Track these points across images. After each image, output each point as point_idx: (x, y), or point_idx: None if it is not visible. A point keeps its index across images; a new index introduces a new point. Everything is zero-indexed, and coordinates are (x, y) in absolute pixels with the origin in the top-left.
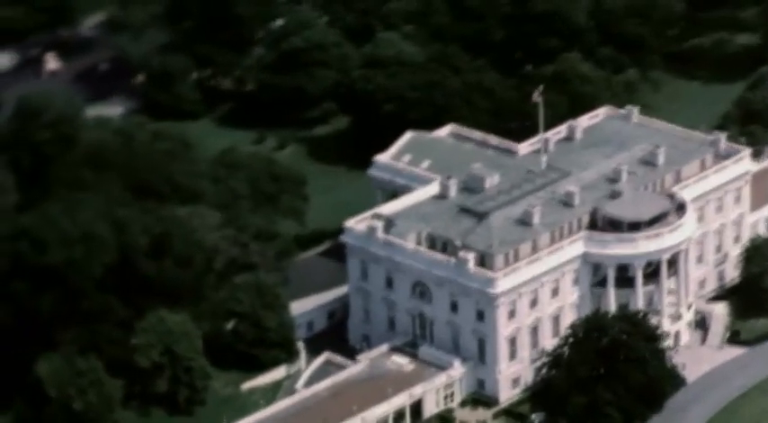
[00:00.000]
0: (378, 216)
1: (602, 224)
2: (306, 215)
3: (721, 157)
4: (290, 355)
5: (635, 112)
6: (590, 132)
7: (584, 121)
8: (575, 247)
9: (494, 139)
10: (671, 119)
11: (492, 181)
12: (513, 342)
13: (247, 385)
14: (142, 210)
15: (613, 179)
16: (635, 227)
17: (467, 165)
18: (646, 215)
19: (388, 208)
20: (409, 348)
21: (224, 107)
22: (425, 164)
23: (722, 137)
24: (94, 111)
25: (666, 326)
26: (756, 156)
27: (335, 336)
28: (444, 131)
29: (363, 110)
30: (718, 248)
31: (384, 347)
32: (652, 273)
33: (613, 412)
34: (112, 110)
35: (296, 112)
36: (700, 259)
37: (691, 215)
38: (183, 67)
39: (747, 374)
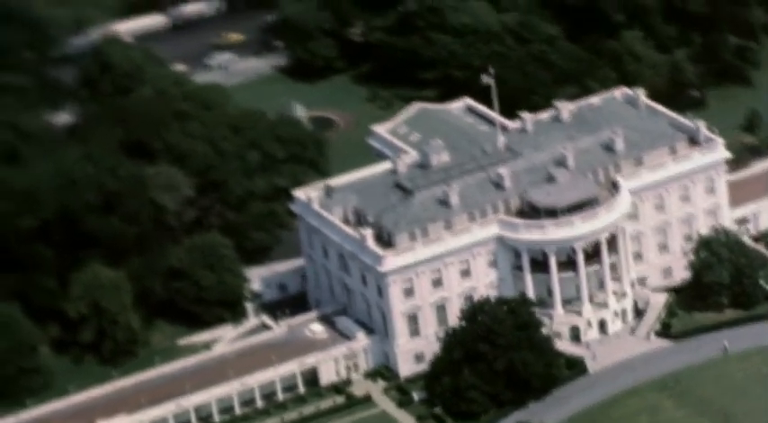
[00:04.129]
0: (327, 187)
1: (525, 209)
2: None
3: (697, 146)
4: (236, 315)
5: (641, 94)
6: (581, 113)
7: (595, 100)
8: (487, 231)
9: (498, 116)
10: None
11: (439, 158)
12: (413, 319)
13: (184, 341)
14: (107, 166)
15: (560, 163)
16: (551, 213)
17: (453, 139)
18: (562, 202)
19: (340, 180)
20: (336, 317)
21: (361, 64)
22: (415, 137)
23: (701, 125)
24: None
25: (588, 313)
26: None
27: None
28: (458, 105)
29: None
30: (689, 237)
31: (312, 314)
32: (589, 256)
33: (477, 396)
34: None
35: (414, 73)
36: (663, 247)
37: (619, 204)
38: (321, 22)
39: (653, 369)
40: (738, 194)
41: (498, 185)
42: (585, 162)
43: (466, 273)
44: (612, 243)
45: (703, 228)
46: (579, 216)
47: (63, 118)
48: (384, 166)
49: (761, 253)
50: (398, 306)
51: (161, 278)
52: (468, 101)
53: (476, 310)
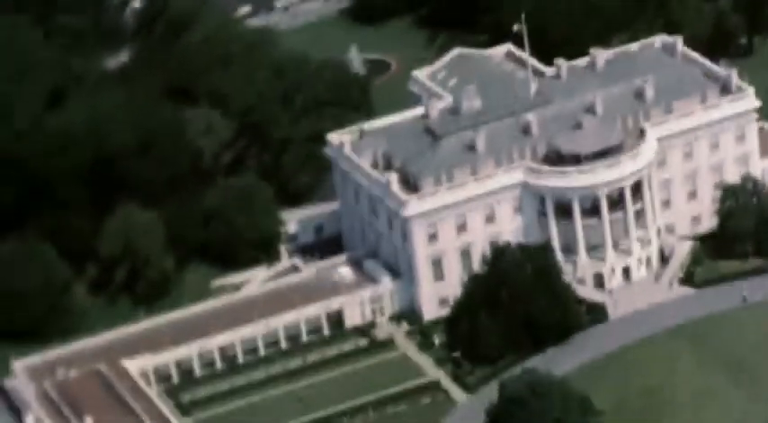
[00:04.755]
0: (360, 131)
1: (551, 155)
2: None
3: (728, 94)
4: (269, 257)
5: (678, 42)
6: (616, 61)
7: (633, 47)
8: (512, 176)
9: (535, 62)
10: None
11: (470, 104)
12: (438, 263)
13: (217, 282)
14: (145, 109)
15: (589, 110)
16: (575, 160)
17: (489, 85)
18: (586, 149)
19: (373, 124)
20: (365, 260)
21: (422, 8)
22: (453, 82)
23: (733, 73)
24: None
25: (612, 260)
26: None
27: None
28: (499, 51)
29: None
30: (719, 186)
31: (341, 257)
32: (614, 203)
33: (494, 341)
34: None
35: (472, 18)
36: (692, 195)
37: (645, 151)
38: None
39: (673, 317)
40: None
41: (526, 132)
42: (614, 109)
43: (490, 218)
44: (637, 190)
45: (733, 176)
46: (603, 163)
47: (120, 60)
48: (417, 111)
49: None
50: (422, 250)
51: (196, 220)
52: (510, 47)
53: (496, 256)
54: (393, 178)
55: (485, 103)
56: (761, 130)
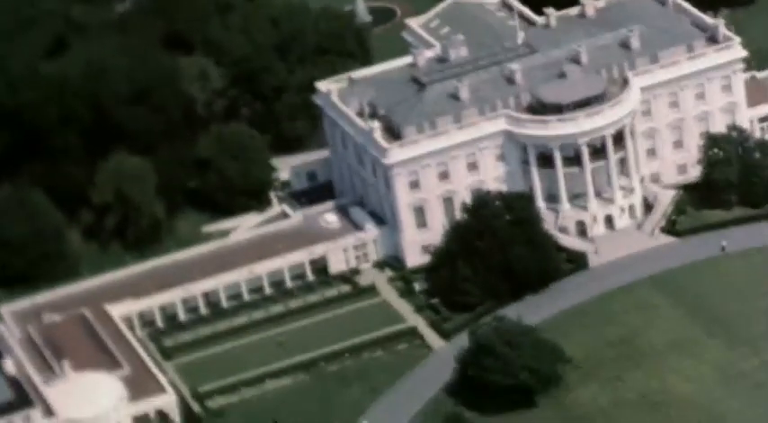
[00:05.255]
0: (349, 79)
1: (534, 105)
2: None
3: (715, 44)
4: (261, 204)
5: None
6: (606, 11)
7: None
8: (494, 125)
9: (527, 11)
10: None
11: (457, 53)
12: (420, 211)
13: (208, 229)
14: (140, 57)
15: (575, 60)
16: (556, 109)
17: (480, 34)
18: (567, 98)
19: (362, 73)
20: (351, 208)
21: None
22: (445, 31)
23: (720, 24)
24: None
25: (594, 209)
26: None
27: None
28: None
29: None
30: (705, 135)
31: (328, 205)
32: (597, 152)
33: (472, 289)
34: None
35: None
36: (678, 144)
37: (626, 101)
38: None
39: (654, 265)
40: (764, 92)
41: (510, 81)
42: (600, 59)
43: (473, 166)
44: (620, 139)
45: (720, 126)
46: (584, 112)
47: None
48: (406, 59)
49: None
50: (404, 198)
51: (188, 168)
52: None
53: (476, 205)
54: (376, 126)
55: (472, 53)
56: (753, 79)
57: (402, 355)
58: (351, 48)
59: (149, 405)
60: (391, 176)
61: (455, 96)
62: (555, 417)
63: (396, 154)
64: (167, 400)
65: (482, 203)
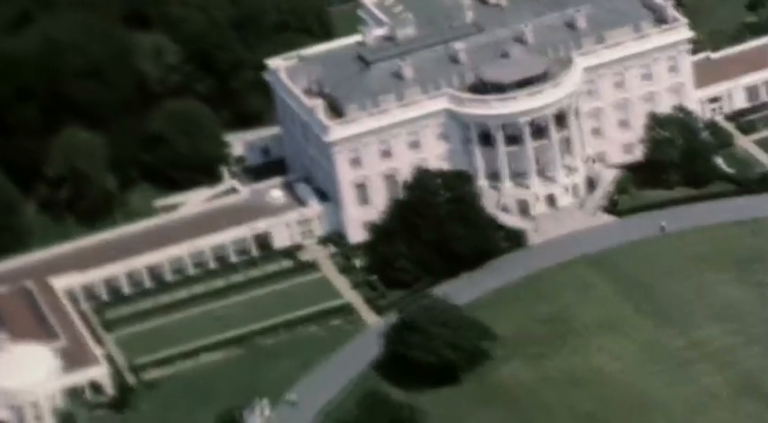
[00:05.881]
0: (299, 57)
1: (478, 84)
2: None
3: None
4: (212, 179)
5: None
6: None
7: None
8: (436, 104)
9: None
10: None
11: (405, 32)
12: (362, 188)
13: (160, 203)
14: (94, 33)
15: (520, 39)
16: (498, 88)
17: (433, 13)
18: (509, 78)
19: (312, 50)
20: (297, 184)
21: None
22: (399, 9)
23: (668, 5)
24: None
25: (536, 187)
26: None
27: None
28: None
29: None
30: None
31: (276, 181)
32: (539, 131)
33: (407, 266)
34: None
35: None
36: (624, 124)
37: (568, 80)
38: None
39: (592, 244)
40: (716, 73)
41: (454, 60)
42: (545, 39)
43: (415, 145)
44: (562, 119)
45: (667, 106)
46: (524, 92)
47: None
48: (355, 38)
49: (726, 132)
50: (346, 175)
51: (140, 142)
52: None
53: (415, 182)
54: (318, 104)
55: (420, 31)
56: (707, 59)
57: (335, 330)
58: (310, 25)
59: (82, 376)
60: (332, 154)
61: (399, 75)
62: (477, 393)
63: (337, 131)
64: (100, 372)
65: (421, 181)
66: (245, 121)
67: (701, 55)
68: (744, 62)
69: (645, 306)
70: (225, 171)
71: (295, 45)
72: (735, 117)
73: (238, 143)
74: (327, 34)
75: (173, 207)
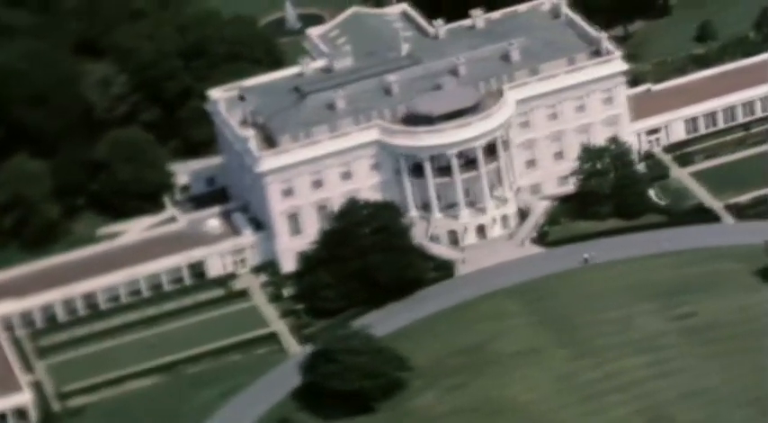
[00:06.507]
0: (240, 88)
1: (410, 116)
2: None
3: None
4: (156, 208)
5: (563, 4)
6: (497, 23)
7: (521, 9)
8: (367, 135)
9: (425, 23)
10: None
11: (342, 64)
12: (294, 218)
13: (103, 231)
14: (41, 61)
15: (454, 72)
16: (427, 121)
17: (373, 45)
18: (438, 110)
19: (254, 81)
20: (234, 213)
21: None
22: (342, 41)
23: (604, 37)
24: None
25: (465, 218)
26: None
27: None
28: (395, 9)
29: None
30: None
31: (214, 210)
32: (470, 163)
33: (332, 295)
34: None
35: None
36: (559, 155)
37: (497, 113)
38: None
39: (518, 275)
40: (656, 105)
41: (387, 92)
42: (479, 72)
43: (347, 175)
44: (492, 151)
45: (602, 138)
46: (452, 124)
47: None
48: (295, 69)
49: (662, 164)
50: (277, 205)
51: (86, 170)
52: (405, 6)
53: (342, 213)
54: (251, 134)
55: (357, 63)
56: (648, 91)
57: (260, 359)
58: (259, 55)
59: (5, 403)
60: (264, 184)
61: (332, 106)
62: (391, 422)
63: (268, 162)
64: (24, 399)
65: (348, 212)
66: (195, 150)
67: (643, 87)
68: (685, 94)
69: (564, 337)
70: (167, 200)
71: (244, 75)
72: (673, 149)
73: (184, 172)
74: (277, 65)
75: (115, 235)
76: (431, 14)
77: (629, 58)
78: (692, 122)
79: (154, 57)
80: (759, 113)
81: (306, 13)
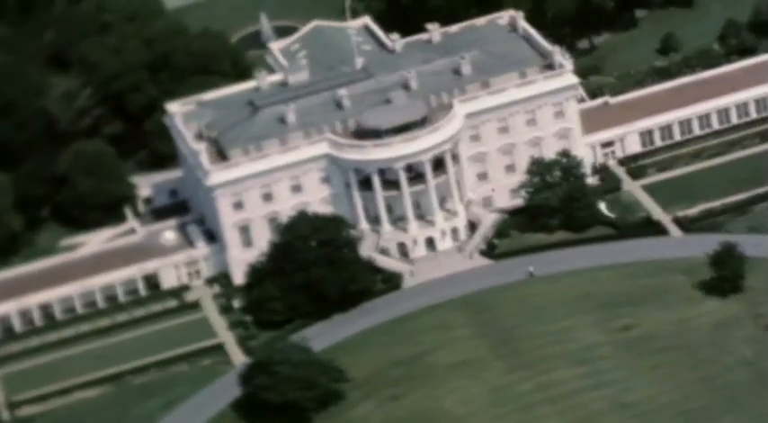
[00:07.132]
0: (197, 101)
1: (359, 130)
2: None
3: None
4: (117, 220)
5: (520, 18)
6: (453, 36)
7: (479, 22)
8: (317, 149)
9: (384, 37)
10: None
11: (297, 78)
12: (245, 230)
13: (64, 242)
14: (5, 73)
15: (405, 86)
16: (375, 134)
17: (332, 58)
18: (385, 124)
19: (213, 94)
20: (189, 225)
21: None
22: (302, 54)
23: (557, 50)
24: None
25: (414, 231)
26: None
27: None
28: (356, 24)
29: None
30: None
31: (171, 222)
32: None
33: (278, 307)
34: None
35: None
36: (510, 169)
37: (445, 126)
38: None
39: (464, 287)
40: (612, 118)
41: (339, 106)
42: (429, 85)
43: (297, 188)
44: (440, 164)
45: (554, 152)
46: (400, 138)
47: None
48: (251, 83)
49: (615, 177)
50: (228, 218)
51: (48, 182)
52: (367, 20)
53: (289, 226)
54: (202, 148)
55: (312, 77)
56: (605, 104)
57: (204, 370)
58: (225, 68)
59: None
60: (214, 197)
61: (283, 120)
62: None
63: (218, 175)
64: None
65: (294, 225)
66: (161, 162)
67: (600, 99)
68: (641, 107)
69: (502, 349)
70: (128, 212)
71: (210, 88)
72: (627, 162)
73: (147, 184)
74: (244, 78)
75: (76, 246)
76: (399, 28)
77: (592, 70)
78: (647, 135)
79: (119, 69)
80: (715, 126)
81: (282, 26)
